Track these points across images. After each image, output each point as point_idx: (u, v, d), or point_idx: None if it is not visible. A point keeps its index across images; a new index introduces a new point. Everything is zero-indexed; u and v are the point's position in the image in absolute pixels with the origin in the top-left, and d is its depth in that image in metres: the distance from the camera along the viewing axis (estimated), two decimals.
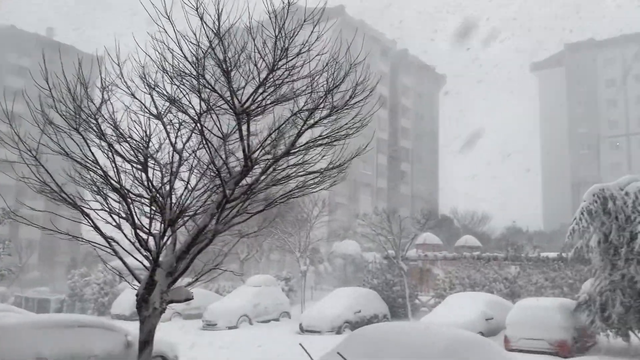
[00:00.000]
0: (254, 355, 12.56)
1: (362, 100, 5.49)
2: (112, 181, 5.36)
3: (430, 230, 33.47)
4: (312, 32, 5.20)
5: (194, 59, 5.26)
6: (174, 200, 5.61)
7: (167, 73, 5.46)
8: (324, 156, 5.51)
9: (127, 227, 5.61)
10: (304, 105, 5.46)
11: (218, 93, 5.37)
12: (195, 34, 5.23)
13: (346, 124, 5.65)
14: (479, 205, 52.45)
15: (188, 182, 5.86)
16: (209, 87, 5.33)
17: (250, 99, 5.37)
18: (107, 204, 5.58)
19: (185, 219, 5.89)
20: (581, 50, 66.72)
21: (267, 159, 5.50)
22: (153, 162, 5.74)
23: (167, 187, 5.61)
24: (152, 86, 5.50)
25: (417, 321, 16.23)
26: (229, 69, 5.19)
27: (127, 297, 20.64)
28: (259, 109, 5.48)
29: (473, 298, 16.48)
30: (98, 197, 5.58)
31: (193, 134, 5.79)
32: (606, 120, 65.50)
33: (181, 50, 5.26)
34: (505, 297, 19.24)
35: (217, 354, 12.96)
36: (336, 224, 41.20)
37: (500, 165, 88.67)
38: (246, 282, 21.43)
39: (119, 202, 5.56)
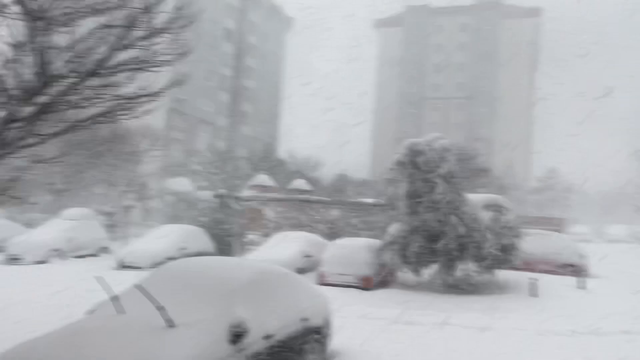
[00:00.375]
0: (58, 289, 11.66)
1: (182, 25, 5.10)
2: None
3: (265, 172, 34.22)
4: None
5: None
6: None
7: None
8: (133, 81, 5.06)
9: None
10: (116, 21, 4.92)
11: None
12: None
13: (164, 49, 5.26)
14: (313, 151, 54.77)
15: None
16: None
17: (51, 4, 4.67)
18: None
19: None
20: (419, 14, 71.96)
21: (69, 77, 4.89)
22: None
23: None
24: None
25: (231, 257, 16.60)
26: None
27: None
28: (62, 17, 4.79)
29: (296, 237, 17.35)
30: None
31: None
32: (430, 83, 72.50)
33: None
34: (327, 237, 20.69)
35: (17, 290, 11.80)
36: (170, 159, 39.69)
37: (338, 114, 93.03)
38: (61, 215, 19.66)
39: None
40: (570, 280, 15.23)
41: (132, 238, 22.07)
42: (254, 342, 5.13)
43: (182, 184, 33.53)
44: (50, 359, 4.10)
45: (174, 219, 28.63)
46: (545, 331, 9.48)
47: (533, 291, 13.32)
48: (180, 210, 31.67)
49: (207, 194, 26.22)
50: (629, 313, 11.33)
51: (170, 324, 4.60)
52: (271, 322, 5.59)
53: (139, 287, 4.92)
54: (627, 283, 16.17)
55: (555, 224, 31.27)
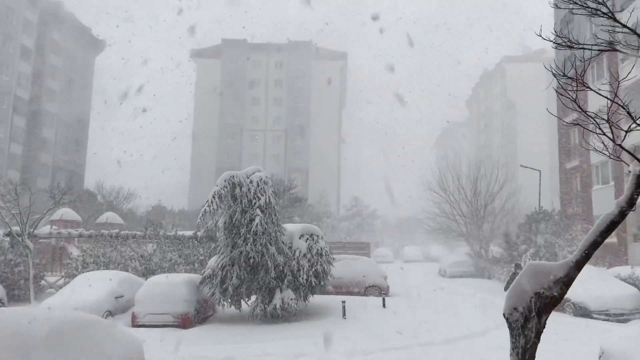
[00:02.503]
0: None
1: None
2: None
3: (70, 205, 30.94)
4: None
5: None
6: None
7: None
8: None
9: None
10: None
11: None
12: None
13: None
14: (126, 183, 51.32)
15: None
16: None
17: None
18: None
19: None
20: (237, 48, 73.82)
21: None
22: None
23: None
24: None
25: (29, 306, 14.66)
26: None
27: None
28: None
29: (104, 277, 15.92)
30: None
31: None
32: (249, 116, 74.38)
33: None
34: (140, 274, 19.43)
35: None
36: None
37: (155, 145, 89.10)
38: None
39: None
40: (376, 300, 16.79)
41: None
42: None
43: None
44: None
45: None
46: (354, 351, 10.27)
47: (344, 313, 14.34)
48: None
49: None
50: (421, 327, 12.94)
51: None
52: None
53: None
54: (418, 300, 18.45)
55: (362, 248, 34.29)
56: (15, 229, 19.24)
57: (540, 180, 27.82)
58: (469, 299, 19.27)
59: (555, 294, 3.04)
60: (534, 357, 3.16)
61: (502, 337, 10.82)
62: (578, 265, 3.05)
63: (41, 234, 22.09)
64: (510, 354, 3.25)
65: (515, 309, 3.17)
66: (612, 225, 3.02)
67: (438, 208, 36.33)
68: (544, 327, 3.10)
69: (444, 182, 35.80)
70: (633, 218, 22.74)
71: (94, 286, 14.99)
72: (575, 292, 15.44)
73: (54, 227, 26.44)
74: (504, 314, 3.26)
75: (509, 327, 3.27)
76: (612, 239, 23.89)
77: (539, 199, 26.58)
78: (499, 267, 27.09)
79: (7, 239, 20.37)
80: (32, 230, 19.76)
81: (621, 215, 3.03)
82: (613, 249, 23.39)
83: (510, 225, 32.65)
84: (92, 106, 63.39)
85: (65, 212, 28.92)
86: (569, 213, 26.84)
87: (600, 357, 6.87)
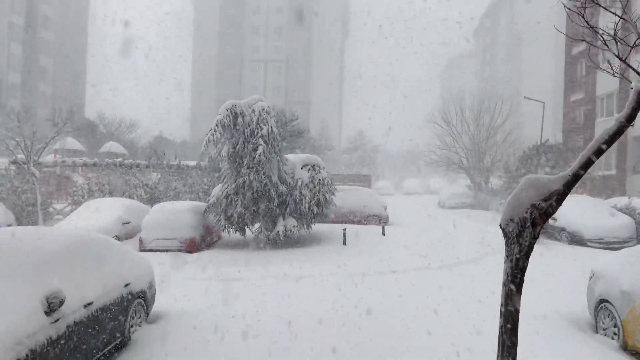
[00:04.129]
0: None
1: None
2: None
3: (72, 134, 31.00)
4: None
5: None
6: None
7: None
8: None
9: None
10: None
11: None
12: None
13: None
14: (128, 113, 51.03)
15: None
16: None
17: None
18: None
19: None
20: None
21: None
22: None
23: None
24: None
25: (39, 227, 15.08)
26: None
27: None
28: None
29: (111, 203, 16.31)
30: None
31: None
32: (249, 45, 72.57)
33: None
34: (146, 202, 19.84)
35: None
36: None
37: (154, 75, 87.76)
38: None
39: None
40: (376, 228, 17.24)
41: None
42: (73, 311, 4.88)
43: None
44: None
45: None
46: (353, 273, 10.70)
47: (344, 240, 14.79)
48: None
49: (0, 162, 22.80)
50: (418, 253, 13.39)
51: None
52: (91, 289, 5.36)
53: None
54: (416, 229, 18.91)
55: (363, 180, 34.70)
56: (20, 156, 19.40)
57: (543, 112, 27.65)
58: (465, 228, 19.76)
59: (550, 205, 3.18)
60: (526, 264, 3.35)
61: (497, 262, 11.25)
62: (574, 179, 3.16)
63: (46, 162, 22.30)
64: (505, 262, 3.44)
65: (511, 219, 3.32)
66: (610, 140, 3.10)
67: (440, 140, 36.37)
68: (538, 237, 3.27)
69: (447, 115, 35.60)
70: (633, 151, 22.83)
71: (101, 212, 15.37)
72: (570, 221, 15.82)
73: (57, 156, 26.65)
74: (500, 225, 3.42)
75: (504, 236, 3.43)
76: (611, 171, 24.10)
77: (542, 131, 26.56)
78: (497, 198, 27.53)
79: (13, 167, 20.61)
80: (36, 158, 19.93)
81: (619, 131, 3.10)
82: (612, 181, 23.68)
83: (512, 158, 32.84)
84: (89, 35, 61.86)
85: (68, 141, 29.05)
86: (571, 146, 26.90)
87: (590, 278, 7.20)
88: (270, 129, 14.33)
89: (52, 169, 24.60)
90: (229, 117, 14.03)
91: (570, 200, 12.71)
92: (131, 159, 28.69)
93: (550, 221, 17.01)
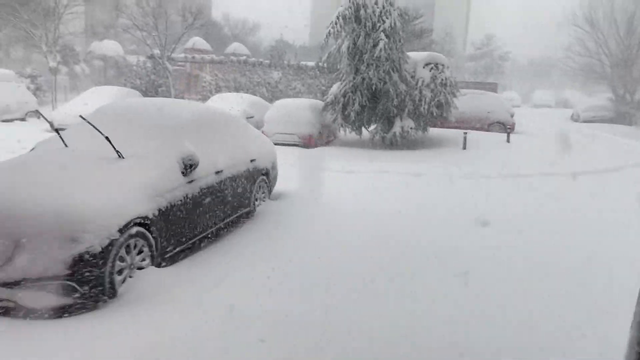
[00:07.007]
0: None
1: None
2: None
3: (200, 34, 32.37)
4: None
5: None
6: None
7: None
8: None
9: None
10: None
11: None
12: None
13: None
14: (250, 14, 51.74)
15: None
16: None
17: None
18: None
19: None
20: None
21: None
22: None
23: None
24: None
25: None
26: None
27: None
28: None
29: (236, 98, 17.07)
30: None
31: None
32: None
33: None
34: (268, 99, 20.53)
35: None
36: (95, 20, 36.41)
37: None
38: None
39: None
40: (500, 135, 16.28)
41: (62, 103, 20.89)
42: (206, 175, 5.26)
43: (110, 47, 31.31)
44: None
45: (105, 83, 27.13)
46: (473, 173, 10.31)
47: (465, 144, 14.19)
48: (109, 76, 29.97)
49: (138, 58, 24.68)
50: (544, 160, 12.46)
51: (120, 155, 4.59)
52: (222, 159, 5.70)
53: (84, 118, 4.78)
54: (545, 137, 17.52)
55: (488, 89, 32.47)
56: (156, 52, 20.76)
57: None
58: (602, 140, 17.91)
59: None
60: None
61: (637, 174, 10.13)
62: None
63: (178, 57, 23.68)
64: None
65: None
66: None
67: (581, 46, 32.36)
68: None
69: (593, 15, 31.23)
70: None
71: (227, 105, 16.16)
72: None
73: (187, 55, 28.18)
74: None
75: None
76: None
77: None
78: None
79: (150, 63, 22.22)
80: (169, 54, 21.22)
81: None
82: None
83: None
84: None
85: (197, 41, 30.43)
86: None
87: None
88: (393, 22, 13.63)
89: (183, 67, 26.13)
90: (350, 8, 13.54)
91: None
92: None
93: None
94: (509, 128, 17.48)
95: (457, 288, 4.40)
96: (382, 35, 13.47)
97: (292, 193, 8.01)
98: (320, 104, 15.82)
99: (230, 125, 6.35)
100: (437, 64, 14.90)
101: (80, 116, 4.79)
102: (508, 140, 15.36)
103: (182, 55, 25.65)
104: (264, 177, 7.01)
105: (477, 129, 18.35)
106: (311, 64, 23.86)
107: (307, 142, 14.51)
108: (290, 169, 9.64)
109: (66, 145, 4.81)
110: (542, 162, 12.13)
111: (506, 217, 6.82)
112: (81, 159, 4.55)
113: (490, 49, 55.95)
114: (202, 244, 5.31)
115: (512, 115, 19.28)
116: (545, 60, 60.25)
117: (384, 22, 13.56)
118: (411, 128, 14.22)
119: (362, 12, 13.52)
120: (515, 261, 5.16)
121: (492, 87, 33.55)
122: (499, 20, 71.51)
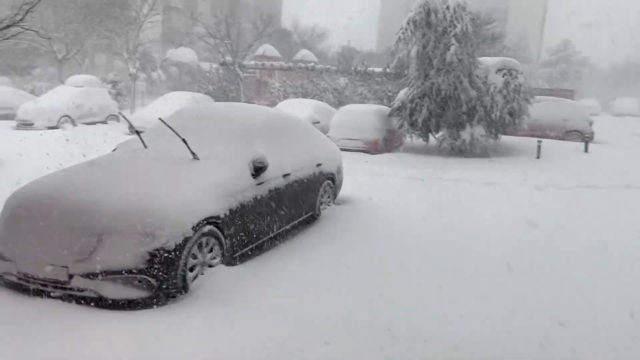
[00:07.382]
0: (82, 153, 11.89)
1: None
2: None
3: (270, 42, 33.17)
4: None
5: None
6: None
7: None
8: None
9: None
10: None
11: None
12: None
13: None
14: (318, 22, 52.36)
15: None
16: None
17: None
18: None
19: None
20: None
21: None
22: None
23: None
24: None
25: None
26: None
27: None
28: None
29: (303, 104, 17.30)
30: None
31: None
32: None
33: None
34: (334, 105, 20.66)
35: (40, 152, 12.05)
36: (171, 28, 38.24)
37: None
38: (66, 82, 19.46)
39: None
40: (577, 144, 15.44)
41: (140, 108, 22.08)
42: (274, 178, 5.35)
43: (185, 54, 32.75)
44: (77, 185, 4.23)
45: (179, 88, 28.41)
46: (548, 184, 9.83)
47: (538, 153, 13.57)
48: (185, 82, 31.31)
49: (210, 65, 25.64)
50: (627, 172, 11.65)
51: (195, 156, 4.77)
52: (289, 162, 5.79)
53: (162, 121, 5.02)
54: (628, 148, 16.42)
55: (564, 96, 30.92)
56: (228, 59, 21.48)
57: None
58: None
59: None
60: None
61: None
62: None
63: (248, 65, 24.36)
64: None
65: None
66: None
67: None
68: None
69: None
70: None
71: (294, 111, 16.41)
72: None
73: (257, 62, 28.97)
74: None
75: None
76: None
77: None
78: None
79: (222, 69, 23.05)
80: (241, 61, 21.88)
81: None
82: None
83: None
84: None
85: (267, 48, 31.18)
86: None
87: None
88: (464, 27, 13.31)
89: (253, 74, 26.86)
90: (421, 13, 13.37)
91: None
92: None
93: None
94: (587, 137, 16.53)
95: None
96: (453, 40, 13.19)
97: (356, 198, 7.98)
98: (386, 109, 15.71)
99: (298, 130, 6.44)
100: (510, 69, 14.40)
101: (159, 119, 5.02)
102: (586, 150, 14.54)
103: (253, 62, 26.39)
104: (330, 182, 7.04)
105: (551, 138, 17.51)
106: (378, 69, 23.77)
107: (372, 148, 14.45)
108: (355, 175, 9.63)
109: (145, 146, 5.06)
110: (622, 174, 11.36)
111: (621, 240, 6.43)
112: (159, 159, 4.77)
113: (567, 54, 53.34)
114: (268, 246, 5.41)
115: (590, 124, 18.25)
116: (630, 65, 56.58)
117: (455, 26, 13.28)
118: (481, 135, 13.79)
119: (432, 17, 13.32)
120: None
121: (569, 94, 31.93)
122: (577, 25, 68.00)
